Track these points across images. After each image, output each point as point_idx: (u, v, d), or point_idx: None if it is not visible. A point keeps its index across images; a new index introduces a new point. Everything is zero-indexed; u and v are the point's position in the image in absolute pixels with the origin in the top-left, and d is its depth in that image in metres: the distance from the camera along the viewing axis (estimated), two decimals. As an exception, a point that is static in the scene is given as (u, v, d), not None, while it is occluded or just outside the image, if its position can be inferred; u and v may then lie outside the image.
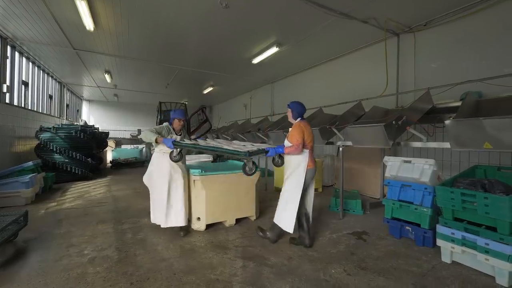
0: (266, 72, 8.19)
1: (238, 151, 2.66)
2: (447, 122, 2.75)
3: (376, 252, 2.85)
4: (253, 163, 2.76)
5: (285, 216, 2.83)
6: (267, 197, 5.26)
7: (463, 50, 4.17)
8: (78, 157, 6.82)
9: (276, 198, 5.23)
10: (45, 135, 6.69)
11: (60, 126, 7.13)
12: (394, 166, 3.36)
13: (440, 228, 2.63)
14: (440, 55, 4.47)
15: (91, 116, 14.62)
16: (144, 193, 5.63)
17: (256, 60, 6.79)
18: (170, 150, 3.11)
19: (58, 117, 9.88)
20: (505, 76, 3.30)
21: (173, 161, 3.13)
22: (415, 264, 2.58)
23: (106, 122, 14.69)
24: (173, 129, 3.31)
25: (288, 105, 3.03)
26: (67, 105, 11.27)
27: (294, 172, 2.85)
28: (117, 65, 7.88)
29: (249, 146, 3.12)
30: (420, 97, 3.77)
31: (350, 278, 2.31)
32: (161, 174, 3.21)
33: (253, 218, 3.81)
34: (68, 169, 6.70)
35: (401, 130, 3.40)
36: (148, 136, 3.03)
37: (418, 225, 3.01)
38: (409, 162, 3.26)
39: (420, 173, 3.08)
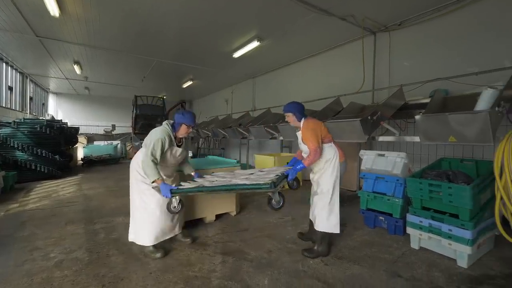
0: (247, 67, 8.13)
1: (259, 184, 2.17)
2: (417, 117, 2.91)
3: (352, 242, 2.96)
4: (279, 194, 2.33)
5: (331, 219, 2.55)
6: (248, 192, 5.25)
7: (433, 50, 4.41)
8: (43, 154, 6.33)
9: (257, 193, 5.28)
10: (5, 131, 6.11)
11: (22, 120, 6.56)
12: (369, 160, 3.50)
13: (409, 217, 2.79)
14: (413, 54, 4.70)
15: (59, 110, 13.66)
16: (118, 191, 5.38)
17: (237, 54, 6.71)
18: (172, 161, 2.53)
19: (20, 111, 9.11)
20: (469, 75, 3.55)
21: (171, 213, 2.58)
22: (387, 251, 2.71)
23: (76, 116, 13.82)
24: (175, 137, 2.59)
25: (285, 109, 2.66)
26: (31, 98, 10.41)
27: (327, 171, 2.56)
28: (88, 56, 7.39)
29: (258, 173, 2.74)
30: (394, 93, 3.94)
31: (327, 268, 2.38)
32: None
33: (234, 213, 3.79)
34: (33, 167, 6.20)
35: (376, 125, 3.54)
36: (150, 172, 2.37)
37: (390, 214, 3.16)
38: (383, 155, 3.40)
39: (392, 165, 3.23)
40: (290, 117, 2.66)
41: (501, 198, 2.10)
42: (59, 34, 5.75)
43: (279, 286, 2.10)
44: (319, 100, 5.51)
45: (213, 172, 3.24)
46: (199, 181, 2.72)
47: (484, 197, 2.60)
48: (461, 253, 2.40)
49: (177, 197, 2.50)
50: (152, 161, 2.36)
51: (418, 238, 2.73)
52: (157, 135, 2.44)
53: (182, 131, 2.58)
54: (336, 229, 2.56)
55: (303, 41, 5.94)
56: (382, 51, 5.15)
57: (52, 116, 10.94)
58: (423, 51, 4.55)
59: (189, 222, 3.40)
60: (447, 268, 2.37)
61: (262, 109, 7.54)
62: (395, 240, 2.97)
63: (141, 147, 2.71)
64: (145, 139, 2.59)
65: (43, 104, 12.43)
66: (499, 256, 2.57)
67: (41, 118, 10.00)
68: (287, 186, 2.74)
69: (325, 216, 2.56)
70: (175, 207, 2.54)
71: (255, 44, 5.91)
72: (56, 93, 13.50)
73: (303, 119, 2.63)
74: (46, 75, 9.84)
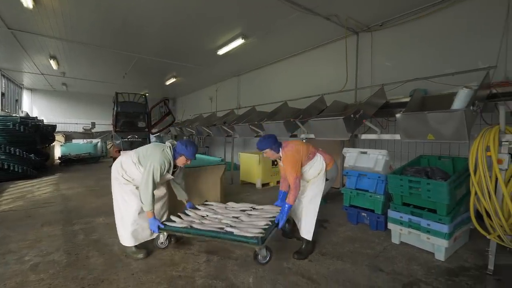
0: (232, 64, 8.04)
1: (247, 237, 2.19)
2: (397, 116, 2.99)
3: (336, 238, 3.02)
4: (267, 248, 2.33)
5: (309, 224, 2.60)
6: (233, 191, 5.24)
7: (413, 51, 4.56)
8: (17, 153, 5.98)
9: (242, 191, 5.28)
10: (-27, 128, 5.72)
11: (-7, 117, 6.16)
12: (352, 157, 3.57)
13: (391, 213, 2.88)
14: (394, 54, 4.84)
15: (34, 107, 12.94)
16: (99, 191, 5.18)
17: (221, 51, 6.62)
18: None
19: (-9, 107, 8.53)
20: (446, 75, 3.69)
21: (158, 247, 2.62)
22: (369, 246, 2.79)
23: (53, 114, 13.14)
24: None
25: (260, 148, 2.66)
26: (3, 94, 9.78)
27: (316, 182, 2.66)
28: (65, 50, 7.02)
29: (249, 212, 2.80)
30: (375, 92, 4.04)
31: (311, 264, 2.41)
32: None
33: (219, 212, 3.76)
34: (5, 167, 5.84)
35: (358, 123, 3.61)
36: (146, 201, 2.37)
37: (372, 211, 3.25)
38: (365, 153, 3.49)
39: (374, 163, 3.32)
40: (269, 153, 2.66)
41: (476, 193, 2.21)
42: (33, 26, 5.42)
43: (264, 284, 2.10)
44: (303, 98, 5.55)
45: (206, 201, 3.24)
46: (190, 215, 2.76)
47: (460, 192, 2.72)
48: (438, 247, 2.50)
49: (165, 233, 2.54)
50: (152, 187, 2.36)
51: (398, 233, 2.83)
52: (156, 159, 2.42)
53: (180, 161, 2.61)
54: (310, 236, 2.58)
55: (287, 39, 5.95)
56: (364, 51, 5.26)
57: (27, 113, 10.35)
58: (404, 52, 4.69)
59: (174, 222, 3.33)
60: (426, 262, 2.47)
61: (247, 107, 7.48)
62: (377, 236, 3.06)
63: (121, 146, 2.65)
64: (142, 154, 2.54)
65: (16, 100, 11.72)
66: (473, 249, 2.71)
67: (14, 115, 9.44)
68: None
69: (306, 221, 2.62)
70: (162, 243, 2.61)
71: (240, 41, 5.85)
72: (31, 89, 12.76)
73: (280, 149, 2.64)
74: (19, 69, 9.26)
